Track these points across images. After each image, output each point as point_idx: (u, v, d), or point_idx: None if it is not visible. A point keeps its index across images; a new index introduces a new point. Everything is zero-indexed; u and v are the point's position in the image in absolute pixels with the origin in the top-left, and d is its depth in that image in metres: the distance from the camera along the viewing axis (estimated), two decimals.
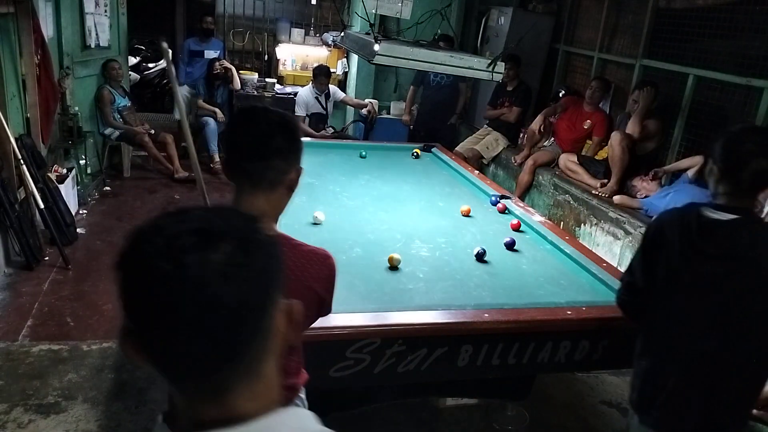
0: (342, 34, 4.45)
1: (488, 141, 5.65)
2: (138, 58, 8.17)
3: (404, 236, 2.68)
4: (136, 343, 0.64)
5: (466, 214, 3.04)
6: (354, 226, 2.75)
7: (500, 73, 3.17)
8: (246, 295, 0.61)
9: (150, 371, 1.90)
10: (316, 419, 0.72)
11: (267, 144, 1.31)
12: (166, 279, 0.59)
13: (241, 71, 6.56)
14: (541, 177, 5.00)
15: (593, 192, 4.37)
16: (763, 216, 3.00)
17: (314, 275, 1.39)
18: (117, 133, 5.46)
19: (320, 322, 1.79)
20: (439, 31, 4.32)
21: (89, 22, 5.05)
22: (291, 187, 1.38)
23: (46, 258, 3.86)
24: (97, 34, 5.22)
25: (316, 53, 7.12)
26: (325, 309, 1.48)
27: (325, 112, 5.87)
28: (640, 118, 4.20)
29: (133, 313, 0.63)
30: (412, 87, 6.23)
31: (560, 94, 5.38)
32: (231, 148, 1.37)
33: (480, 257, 2.49)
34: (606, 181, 4.35)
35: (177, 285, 0.59)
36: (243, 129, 1.36)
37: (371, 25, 3.43)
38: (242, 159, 1.33)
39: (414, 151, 4.26)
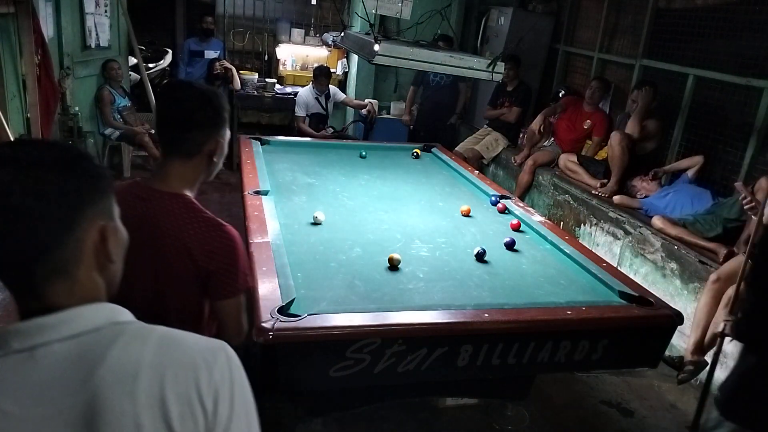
0: (342, 34, 4.46)
1: (488, 141, 5.66)
2: None
3: (404, 236, 2.68)
4: None
5: (466, 214, 3.04)
6: (354, 226, 2.75)
7: (500, 73, 3.18)
8: (44, 208, 0.74)
9: None
10: (130, 315, 0.83)
11: (184, 116, 1.45)
12: None
13: (241, 71, 6.56)
14: (541, 177, 5.00)
15: (593, 192, 4.37)
16: (762, 216, 3.00)
17: (195, 238, 1.43)
18: (117, 133, 5.46)
19: (320, 322, 1.80)
20: (438, 31, 4.32)
21: (89, 22, 5.05)
22: (211, 156, 1.50)
23: None
24: (97, 35, 5.22)
25: (316, 53, 7.12)
26: (223, 285, 1.45)
27: (325, 113, 5.87)
28: (639, 118, 4.20)
29: None
30: (412, 87, 6.24)
31: (560, 94, 5.38)
32: (156, 119, 1.53)
33: (480, 257, 2.49)
34: (606, 181, 4.35)
35: None
36: (164, 101, 1.52)
37: (371, 26, 3.43)
38: (163, 129, 1.50)
39: (414, 151, 4.26)
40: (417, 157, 4.20)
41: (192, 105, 1.45)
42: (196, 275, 1.45)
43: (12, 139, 3.53)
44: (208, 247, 1.43)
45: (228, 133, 1.57)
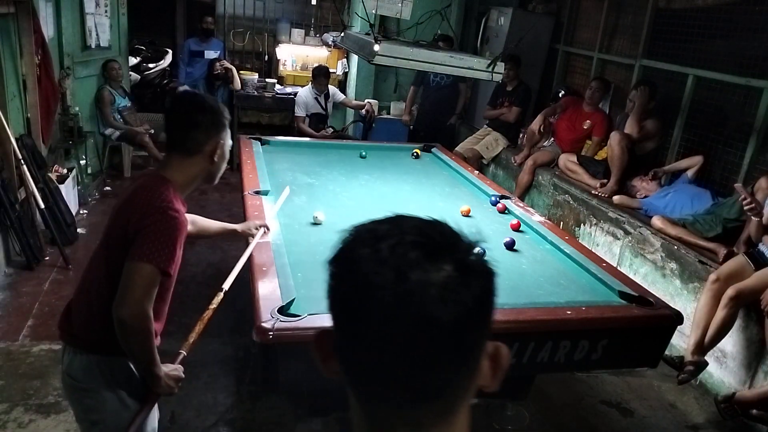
0: (342, 34, 4.46)
1: (488, 141, 5.66)
2: (138, 59, 8.16)
3: None
4: (334, 347, 0.62)
5: (466, 214, 3.04)
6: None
7: (500, 73, 3.17)
8: (461, 322, 0.57)
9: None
10: None
11: (188, 116, 1.64)
12: (385, 289, 0.56)
13: (241, 71, 6.56)
14: (540, 177, 5.00)
15: (593, 192, 4.37)
16: (763, 216, 3.01)
17: (138, 205, 1.54)
18: (117, 133, 5.46)
19: (320, 322, 1.80)
20: (438, 32, 4.32)
21: (89, 22, 5.05)
22: (212, 156, 1.65)
23: (47, 258, 3.87)
24: (97, 35, 5.22)
25: (316, 53, 7.12)
26: (135, 246, 1.47)
27: (324, 113, 5.87)
28: (637, 118, 4.21)
29: (340, 316, 0.61)
30: (412, 87, 6.24)
31: (560, 95, 5.38)
32: (164, 120, 1.67)
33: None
34: (606, 181, 4.35)
35: (396, 297, 0.55)
36: (172, 105, 1.72)
37: (371, 26, 3.43)
38: (168, 127, 1.66)
39: (414, 151, 4.26)
40: (417, 157, 4.20)
41: (195, 107, 1.64)
42: (126, 240, 1.50)
43: (12, 139, 3.53)
44: (142, 212, 1.51)
45: (230, 141, 1.72)
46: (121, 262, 1.49)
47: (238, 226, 2.22)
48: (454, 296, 0.56)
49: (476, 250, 0.62)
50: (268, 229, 2.30)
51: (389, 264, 0.57)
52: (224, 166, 1.73)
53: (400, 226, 0.61)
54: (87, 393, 1.63)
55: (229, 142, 1.71)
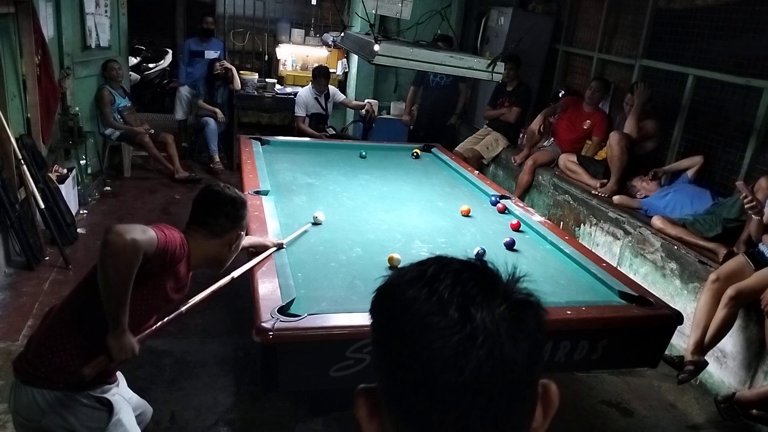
0: (342, 34, 4.45)
1: (488, 141, 5.66)
2: (138, 59, 8.17)
3: (404, 236, 2.68)
4: (383, 404, 0.57)
5: (466, 214, 3.04)
6: (354, 226, 2.76)
7: (500, 73, 3.17)
8: (531, 359, 0.54)
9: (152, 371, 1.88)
10: None
11: (219, 206, 1.83)
12: (451, 330, 0.51)
13: (241, 71, 6.56)
14: (540, 177, 5.00)
15: (593, 192, 4.37)
16: (763, 217, 3.01)
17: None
18: (117, 133, 5.46)
19: (320, 322, 1.80)
20: (438, 32, 4.32)
21: (89, 22, 5.05)
22: (231, 243, 1.86)
23: (47, 258, 3.87)
24: (97, 35, 5.22)
25: (316, 53, 7.12)
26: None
27: (324, 113, 5.87)
28: (636, 117, 4.21)
29: (394, 369, 0.55)
30: (412, 87, 6.24)
31: (560, 95, 5.38)
32: (194, 206, 1.86)
33: (480, 257, 2.49)
34: (605, 181, 4.35)
35: (463, 340, 0.51)
36: (206, 193, 1.88)
37: (371, 26, 3.43)
38: (197, 211, 1.84)
39: (414, 151, 4.26)
40: (417, 157, 4.20)
41: (226, 197, 1.84)
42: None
43: (12, 139, 3.53)
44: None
45: (244, 235, 1.95)
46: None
47: (261, 240, 2.34)
48: (520, 330, 0.53)
49: (521, 285, 0.60)
50: (282, 246, 2.38)
51: (451, 303, 0.53)
52: (233, 258, 1.92)
53: (448, 265, 0.57)
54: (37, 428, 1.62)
55: (244, 236, 1.94)
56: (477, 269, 0.58)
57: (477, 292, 0.54)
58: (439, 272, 0.56)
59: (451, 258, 0.60)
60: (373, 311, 0.59)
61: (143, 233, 1.55)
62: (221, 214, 1.82)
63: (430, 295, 0.54)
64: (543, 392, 0.61)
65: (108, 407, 1.67)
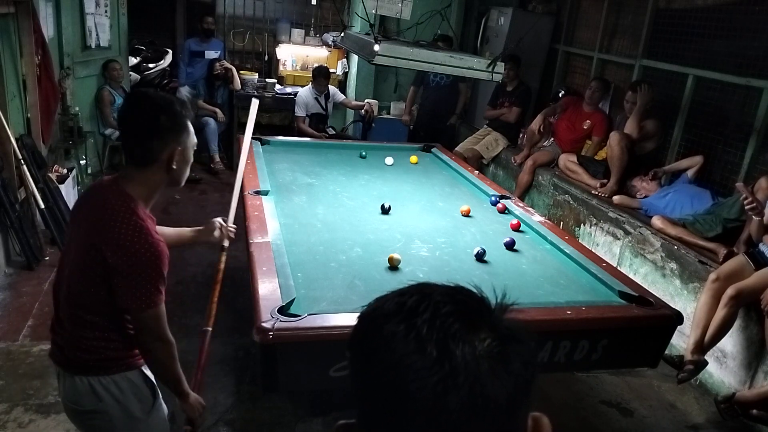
0: (342, 34, 4.45)
1: (488, 141, 5.66)
2: (138, 59, 8.15)
3: (404, 236, 2.68)
4: None
5: (466, 214, 3.04)
6: (354, 226, 2.76)
7: (500, 73, 3.17)
8: (513, 397, 0.51)
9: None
10: None
11: (137, 125, 1.49)
12: (429, 371, 0.49)
13: (241, 71, 6.57)
14: (540, 177, 5.00)
15: (593, 192, 4.37)
16: (763, 217, 3.01)
17: (111, 235, 1.43)
18: (117, 133, 5.46)
19: (320, 322, 1.80)
20: (438, 32, 4.32)
21: (89, 22, 5.05)
22: (170, 163, 1.51)
23: (47, 258, 3.87)
24: (97, 35, 5.22)
25: (316, 53, 7.13)
26: (125, 292, 1.44)
27: (324, 113, 5.88)
28: (638, 117, 4.20)
29: (370, 408, 0.54)
30: (412, 87, 6.24)
31: (560, 95, 5.38)
32: (119, 129, 1.59)
33: (480, 257, 2.49)
34: (605, 181, 4.35)
35: (442, 379, 0.49)
36: (122, 112, 1.55)
37: (371, 26, 3.43)
38: (122, 137, 1.55)
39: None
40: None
41: (145, 115, 1.48)
42: (103, 274, 1.44)
43: (12, 139, 3.53)
44: (117, 243, 1.42)
45: (192, 140, 1.57)
46: (103, 276, 1.45)
47: (203, 228, 2.07)
48: (503, 368, 0.51)
49: (509, 311, 0.57)
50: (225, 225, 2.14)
51: (430, 340, 0.50)
52: (187, 169, 1.59)
53: (429, 296, 0.54)
54: (93, 415, 1.59)
55: (191, 143, 1.56)
56: (460, 300, 0.55)
57: (458, 327, 0.51)
58: (418, 304, 0.53)
59: (433, 286, 0.57)
60: (351, 346, 0.56)
61: (165, 323, 1.53)
62: (146, 136, 1.48)
63: (408, 331, 0.51)
64: (534, 426, 0.58)
65: (152, 388, 1.69)
